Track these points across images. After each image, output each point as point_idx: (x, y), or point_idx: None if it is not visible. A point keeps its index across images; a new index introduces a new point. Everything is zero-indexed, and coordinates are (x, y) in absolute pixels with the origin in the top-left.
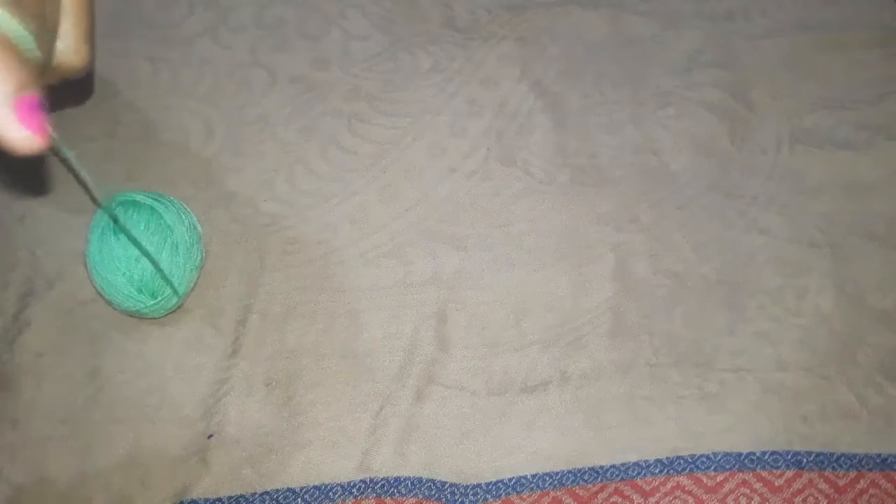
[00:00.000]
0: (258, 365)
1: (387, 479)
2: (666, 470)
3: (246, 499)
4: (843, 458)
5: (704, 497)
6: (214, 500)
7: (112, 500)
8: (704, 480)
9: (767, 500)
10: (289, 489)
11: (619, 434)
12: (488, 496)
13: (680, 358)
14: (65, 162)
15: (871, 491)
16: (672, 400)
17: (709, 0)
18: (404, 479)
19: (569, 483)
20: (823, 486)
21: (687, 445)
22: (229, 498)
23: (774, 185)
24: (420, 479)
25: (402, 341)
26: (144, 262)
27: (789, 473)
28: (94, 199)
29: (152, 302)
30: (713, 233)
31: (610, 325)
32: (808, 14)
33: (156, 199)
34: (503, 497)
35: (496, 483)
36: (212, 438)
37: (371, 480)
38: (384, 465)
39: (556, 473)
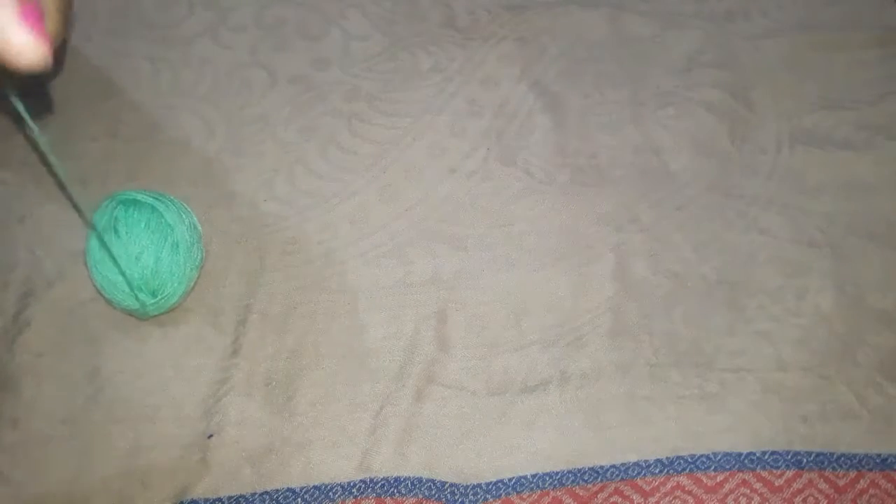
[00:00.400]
0: (258, 365)
1: (387, 479)
2: (666, 470)
3: (246, 499)
4: (843, 459)
5: (704, 497)
6: (214, 500)
7: (112, 500)
8: (704, 480)
9: (767, 500)
10: (289, 489)
11: (619, 434)
12: (488, 496)
13: (680, 358)
14: (56, 177)
15: (872, 491)
16: (672, 400)
17: (709, 0)
18: (404, 479)
19: (569, 483)
20: (823, 486)
21: (687, 445)
22: (229, 498)
23: (774, 185)
24: (420, 479)
25: (402, 341)
26: (144, 260)
27: (789, 473)
28: (80, 213)
29: (152, 300)
30: (713, 233)
31: (610, 325)
32: (808, 14)
33: (156, 199)
34: (503, 497)
35: (496, 483)
36: (212, 438)
37: (371, 480)
38: (384, 465)
39: (556, 473)
